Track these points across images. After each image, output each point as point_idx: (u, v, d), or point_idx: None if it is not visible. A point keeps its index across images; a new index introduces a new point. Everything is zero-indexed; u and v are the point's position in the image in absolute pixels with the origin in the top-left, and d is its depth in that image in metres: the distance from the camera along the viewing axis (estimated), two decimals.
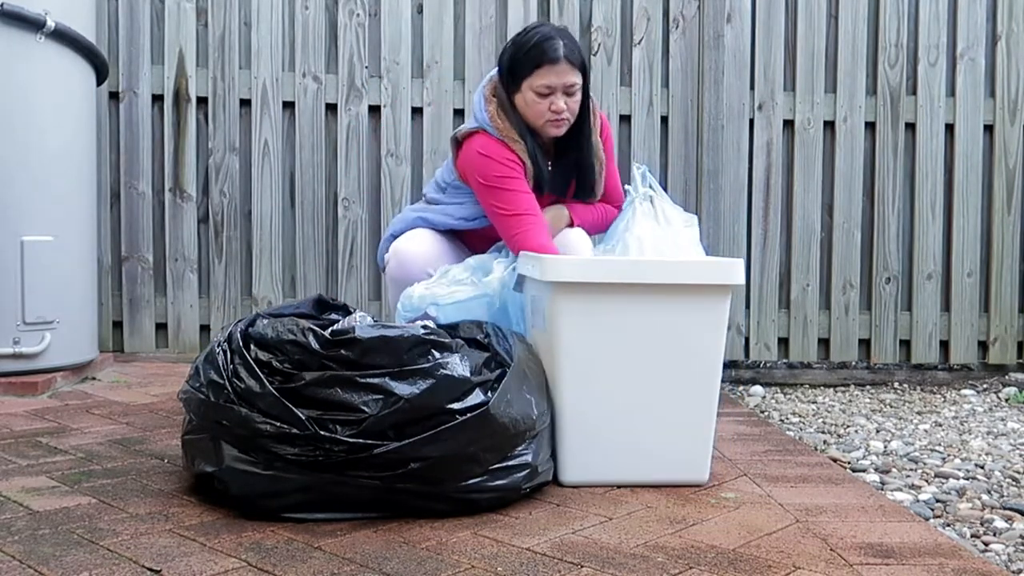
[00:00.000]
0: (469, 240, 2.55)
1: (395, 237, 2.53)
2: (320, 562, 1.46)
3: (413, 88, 3.62)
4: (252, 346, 1.74)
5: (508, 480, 1.75)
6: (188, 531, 1.59)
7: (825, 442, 2.71)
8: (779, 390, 3.62)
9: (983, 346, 3.83)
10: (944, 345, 3.81)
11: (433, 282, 2.26)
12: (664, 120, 3.70)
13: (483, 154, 2.33)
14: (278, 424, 1.63)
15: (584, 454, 1.93)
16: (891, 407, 3.30)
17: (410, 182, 3.61)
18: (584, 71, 2.34)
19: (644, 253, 2.12)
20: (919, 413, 3.20)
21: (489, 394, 1.74)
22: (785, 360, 3.78)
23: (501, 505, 1.76)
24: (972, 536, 1.89)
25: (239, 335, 1.76)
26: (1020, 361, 3.86)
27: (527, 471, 1.78)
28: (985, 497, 2.14)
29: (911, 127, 3.76)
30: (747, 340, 3.72)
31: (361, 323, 1.85)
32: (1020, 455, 2.59)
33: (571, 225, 2.46)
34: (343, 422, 1.64)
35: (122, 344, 3.58)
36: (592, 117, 2.43)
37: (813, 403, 3.37)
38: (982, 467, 2.42)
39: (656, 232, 2.15)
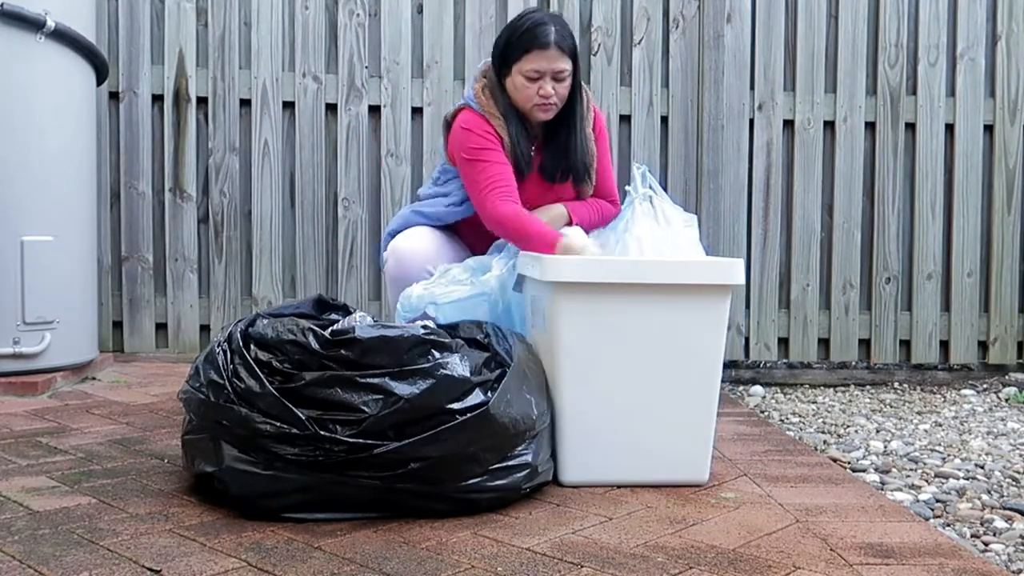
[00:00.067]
0: (467, 235, 2.56)
1: (393, 235, 2.54)
2: (320, 562, 1.46)
3: (413, 88, 3.62)
4: (252, 346, 1.74)
5: (508, 480, 1.75)
6: (188, 531, 1.59)
7: (825, 442, 2.71)
8: (779, 390, 3.62)
9: (983, 346, 3.83)
10: (944, 345, 3.80)
11: (432, 282, 2.26)
12: (664, 120, 3.70)
13: (465, 128, 2.40)
14: (278, 424, 1.63)
15: (584, 454, 1.93)
16: (891, 407, 3.30)
17: (410, 182, 3.61)
18: (575, 58, 2.37)
19: (644, 253, 2.12)
20: (919, 413, 3.20)
21: (489, 394, 1.74)
22: (785, 360, 3.78)
23: (501, 505, 1.76)
24: (972, 536, 1.89)
25: (239, 335, 1.76)
26: (1020, 361, 3.86)
27: (527, 471, 1.78)
28: (985, 497, 2.14)
29: (911, 127, 3.76)
30: (747, 340, 3.72)
31: (361, 323, 1.85)
32: (1020, 455, 2.59)
33: (569, 223, 2.47)
34: (343, 422, 1.64)
35: (122, 344, 3.58)
36: (584, 107, 2.46)
37: (813, 403, 3.37)
38: (982, 467, 2.42)
39: (656, 232, 2.15)
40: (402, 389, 1.66)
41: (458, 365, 1.73)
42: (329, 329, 1.77)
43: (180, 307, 3.59)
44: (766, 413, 3.15)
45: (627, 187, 2.27)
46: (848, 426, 2.95)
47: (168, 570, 1.41)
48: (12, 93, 2.78)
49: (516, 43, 2.35)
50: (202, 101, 3.58)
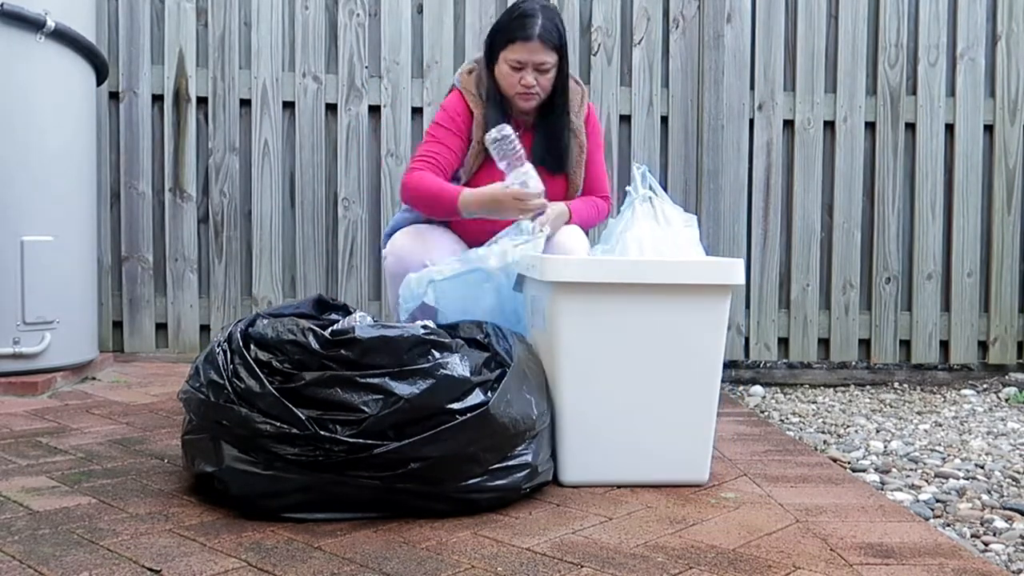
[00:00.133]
0: (464, 227, 2.56)
1: (392, 234, 2.56)
2: (320, 562, 1.46)
3: (413, 88, 3.63)
4: (252, 346, 1.74)
5: (508, 480, 1.75)
6: (188, 531, 1.59)
7: (825, 442, 2.71)
8: (779, 390, 3.62)
9: (983, 346, 3.83)
10: (944, 345, 3.81)
11: (429, 268, 2.27)
12: (664, 120, 3.70)
13: (442, 106, 2.56)
14: (278, 424, 1.63)
15: (584, 454, 1.93)
16: (891, 407, 3.30)
17: None
18: (560, 52, 2.44)
19: (644, 253, 2.12)
20: (919, 413, 3.20)
21: (489, 394, 1.74)
22: (785, 360, 3.78)
23: (501, 505, 1.76)
24: (972, 536, 1.89)
25: (239, 335, 1.76)
26: (1020, 361, 3.86)
27: (527, 471, 1.78)
28: (985, 497, 2.14)
29: (911, 127, 3.76)
30: (747, 340, 3.72)
31: (361, 323, 1.85)
32: (1020, 455, 2.59)
33: (569, 221, 2.48)
34: (343, 422, 1.64)
35: (122, 344, 3.58)
36: (572, 99, 2.52)
37: (813, 403, 3.37)
38: (982, 467, 2.42)
39: (656, 232, 2.15)
40: (402, 389, 1.66)
41: (458, 365, 1.73)
42: (329, 329, 1.77)
43: (180, 307, 3.59)
44: (766, 413, 3.15)
45: (627, 187, 2.27)
46: (848, 426, 2.95)
47: (168, 570, 1.41)
48: (12, 93, 2.78)
49: (504, 31, 2.44)
50: (202, 101, 3.58)
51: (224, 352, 1.75)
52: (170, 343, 3.60)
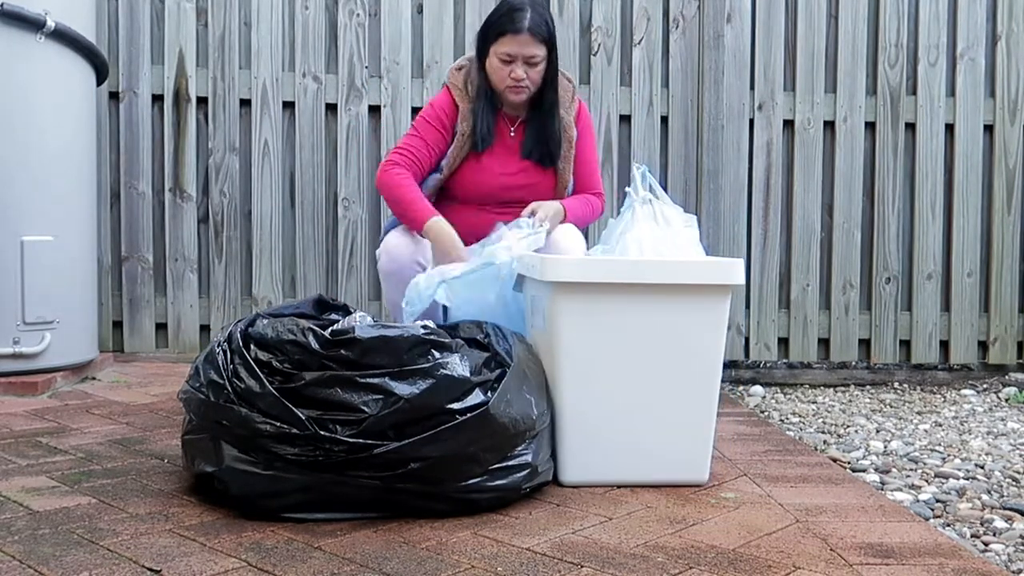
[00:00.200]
0: (458, 228, 2.57)
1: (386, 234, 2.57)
2: (320, 562, 1.46)
3: (413, 88, 3.62)
4: (252, 346, 1.74)
5: (508, 480, 1.75)
6: (188, 531, 1.59)
7: (825, 442, 2.71)
8: (779, 390, 3.62)
9: (983, 346, 3.83)
10: (944, 345, 3.80)
11: (434, 270, 2.28)
12: (664, 120, 3.70)
13: (430, 102, 2.62)
14: (278, 424, 1.63)
15: (584, 454, 1.93)
16: (891, 407, 3.30)
17: None
18: (549, 45, 2.48)
19: (644, 254, 2.12)
20: (919, 413, 3.20)
21: (489, 394, 1.74)
22: (785, 360, 3.78)
23: (501, 505, 1.76)
24: (972, 536, 1.89)
25: (239, 335, 1.76)
26: (1020, 361, 3.86)
27: (527, 471, 1.78)
28: (985, 497, 2.14)
29: (911, 127, 3.76)
30: (747, 340, 3.72)
31: (361, 323, 1.85)
32: (1020, 455, 2.59)
33: (564, 220, 2.49)
34: (343, 422, 1.64)
35: (122, 344, 3.58)
36: (561, 94, 2.55)
37: (813, 403, 3.37)
38: (982, 467, 2.42)
39: (655, 233, 2.15)
40: (402, 389, 1.66)
41: (458, 365, 1.73)
42: (329, 329, 1.77)
43: (180, 307, 3.59)
44: (766, 413, 3.15)
45: (627, 188, 2.27)
46: (848, 426, 2.95)
47: (168, 570, 1.41)
48: (12, 93, 2.78)
49: (494, 25, 2.48)
50: (202, 101, 3.58)
51: (224, 352, 1.75)
52: (170, 343, 3.60)
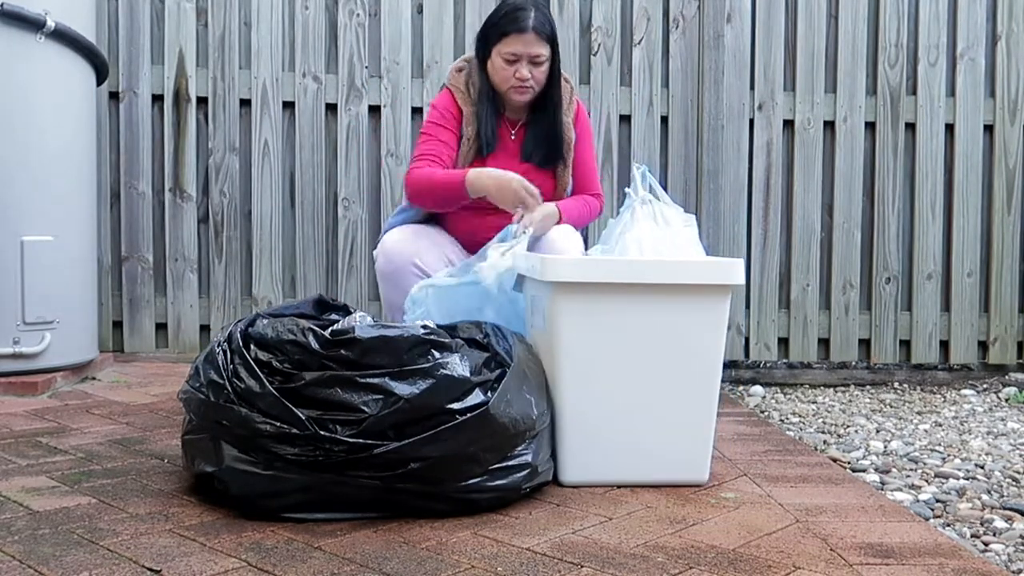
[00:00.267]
0: (456, 229, 2.57)
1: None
2: (320, 562, 1.46)
3: (413, 88, 3.63)
4: (252, 346, 1.74)
5: (508, 480, 1.75)
6: (188, 531, 1.59)
7: (825, 442, 2.71)
8: (779, 390, 3.62)
9: (983, 346, 3.83)
10: (944, 345, 3.81)
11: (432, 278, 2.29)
12: (664, 120, 3.70)
13: (432, 105, 2.57)
14: (278, 424, 1.63)
15: (584, 454, 1.93)
16: (891, 407, 3.30)
17: None
18: (553, 44, 2.47)
19: (644, 254, 2.12)
20: (919, 413, 3.20)
21: (489, 394, 1.74)
22: (785, 360, 3.78)
23: (501, 505, 1.75)
24: (972, 536, 1.89)
25: (239, 335, 1.76)
26: (1020, 361, 3.86)
27: (527, 471, 1.78)
28: (985, 497, 2.14)
29: (911, 127, 3.76)
30: (747, 340, 3.72)
31: (361, 323, 1.85)
32: (1020, 455, 2.59)
33: (559, 221, 2.48)
34: (343, 422, 1.64)
35: (122, 344, 3.58)
36: (564, 94, 2.54)
37: (813, 403, 3.37)
38: (982, 467, 2.42)
39: (655, 233, 2.15)
40: (402, 389, 1.66)
41: (458, 365, 1.73)
42: (329, 329, 1.77)
43: (180, 307, 3.59)
44: (766, 413, 3.15)
45: (627, 188, 2.27)
46: (848, 426, 2.95)
47: (168, 570, 1.41)
48: (12, 93, 2.78)
49: (496, 26, 2.45)
50: (202, 101, 3.58)
51: (224, 352, 1.75)
52: (170, 343, 3.60)
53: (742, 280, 1.96)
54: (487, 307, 2.19)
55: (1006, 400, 3.47)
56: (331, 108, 3.62)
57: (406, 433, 1.64)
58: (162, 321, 3.59)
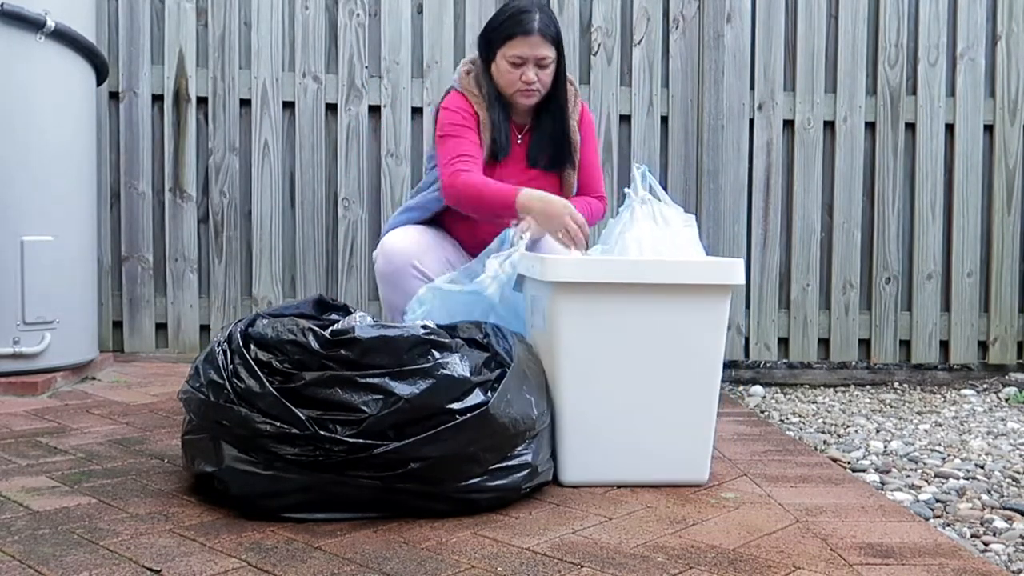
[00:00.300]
0: (453, 227, 2.56)
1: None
2: (320, 562, 1.46)
3: (413, 88, 3.63)
4: (252, 346, 1.74)
5: (508, 480, 1.75)
6: (188, 531, 1.59)
7: (825, 442, 2.71)
8: (779, 390, 3.62)
9: (983, 346, 3.83)
10: (944, 345, 3.81)
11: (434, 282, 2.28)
12: (664, 120, 3.70)
13: (445, 107, 2.48)
14: (278, 424, 1.63)
15: (584, 454, 1.93)
16: (891, 407, 3.30)
17: (410, 182, 3.61)
18: (558, 46, 2.43)
19: (644, 254, 2.12)
20: (919, 413, 3.20)
21: (489, 394, 1.74)
22: (785, 360, 3.78)
23: (501, 505, 1.76)
24: (972, 536, 1.89)
25: (239, 335, 1.76)
26: (1020, 361, 3.86)
27: (527, 471, 1.78)
28: (985, 497, 2.14)
29: (911, 127, 3.76)
30: (747, 340, 3.72)
31: (361, 323, 1.85)
32: (1020, 455, 2.59)
33: None
34: (343, 422, 1.64)
35: (122, 344, 3.58)
36: (568, 96, 2.51)
37: (813, 403, 3.37)
38: (982, 467, 2.42)
39: (655, 233, 2.15)
40: (402, 389, 1.66)
41: (458, 365, 1.73)
42: (329, 329, 1.77)
43: (180, 307, 3.59)
44: (766, 413, 3.15)
45: (627, 188, 2.27)
46: (848, 426, 2.95)
47: (168, 570, 1.41)
48: (12, 93, 2.78)
49: (500, 29, 2.41)
50: (202, 101, 3.58)
51: (224, 352, 1.75)
52: (170, 343, 3.60)
53: (742, 280, 1.96)
54: (491, 317, 2.19)
55: (1006, 400, 3.47)
56: (331, 108, 3.62)
57: (406, 433, 1.64)
58: (162, 321, 3.59)
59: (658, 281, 1.92)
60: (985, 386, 3.72)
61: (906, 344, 3.79)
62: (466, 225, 2.52)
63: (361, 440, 1.62)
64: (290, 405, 1.63)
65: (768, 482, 2.02)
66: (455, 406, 1.69)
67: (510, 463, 1.75)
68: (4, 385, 2.74)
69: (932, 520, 1.99)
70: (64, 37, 2.85)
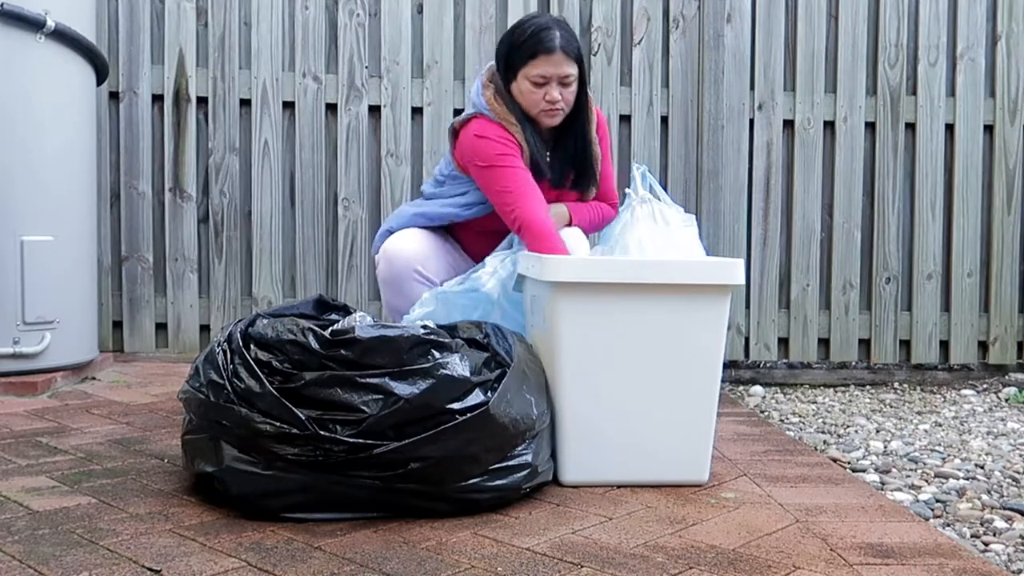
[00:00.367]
0: (463, 237, 2.56)
1: (390, 233, 2.53)
2: (320, 562, 1.46)
3: (413, 88, 3.63)
4: (252, 346, 1.74)
5: (508, 480, 1.75)
6: (188, 531, 1.59)
7: (825, 442, 2.71)
8: (779, 390, 3.62)
9: (983, 346, 3.83)
10: (944, 345, 3.80)
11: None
12: (664, 120, 3.70)
13: (480, 135, 2.34)
14: (278, 424, 1.63)
15: (584, 454, 1.93)
16: (891, 407, 3.30)
17: (410, 182, 3.61)
18: (580, 62, 2.35)
19: (644, 254, 2.13)
20: (919, 413, 3.20)
21: (489, 394, 1.74)
22: (785, 360, 3.78)
23: (501, 505, 1.76)
24: (972, 536, 1.89)
25: (239, 335, 1.76)
26: (1020, 361, 3.86)
27: (527, 471, 1.78)
28: (985, 497, 2.14)
29: (911, 127, 3.76)
30: (747, 340, 3.72)
31: (361, 323, 1.85)
32: (1020, 455, 2.59)
33: (569, 223, 2.47)
34: (343, 422, 1.64)
35: (122, 344, 3.58)
36: (589, 111, 2.44)
37: (813, 403, 3.37)
38: (982, 467, 2.42)
39: (655, 233, 2.15)
40: (402, 389, 1.66)
41: (458, 365, 1.73)
42: (329, 329, 1.77)
43: (180, 307, 3.59)
44: (766, 413, 3.15)
45: (627, 188, 2.27)
46: (848, 426, 2.95)
47: (168, 570, 1.41)
48: (12, 93, 2.78)
49: (521, 48, 2.31)
50: (202, 101, 3.58)
51: (224, 352, 1.75)
52: (170, 343, 3.60)
53: (742, 280, 1.96)
54: (492, 314, 2.19)
55: (1006, 400, 3.47)
56: (331, 108, 3.62)
57: (406, 433, 1.64)
58: (162, 321, 3.59)
59: (658, 281, 1.92)
60: (985, 386, 3.72)
61: (906, 344, 3.79)
62: (478, 238, 2.50)
63: (361, 440, 1.62)
64: (290, 405, 1.63)
65: (768, 482, 2.02)
66: (455, 406, 1.69)
67: (510, 463, 1.75)
68: (4, 385, 2.74)
69: (932, 520, 1.99)
70: (64, 37, 2.85)
